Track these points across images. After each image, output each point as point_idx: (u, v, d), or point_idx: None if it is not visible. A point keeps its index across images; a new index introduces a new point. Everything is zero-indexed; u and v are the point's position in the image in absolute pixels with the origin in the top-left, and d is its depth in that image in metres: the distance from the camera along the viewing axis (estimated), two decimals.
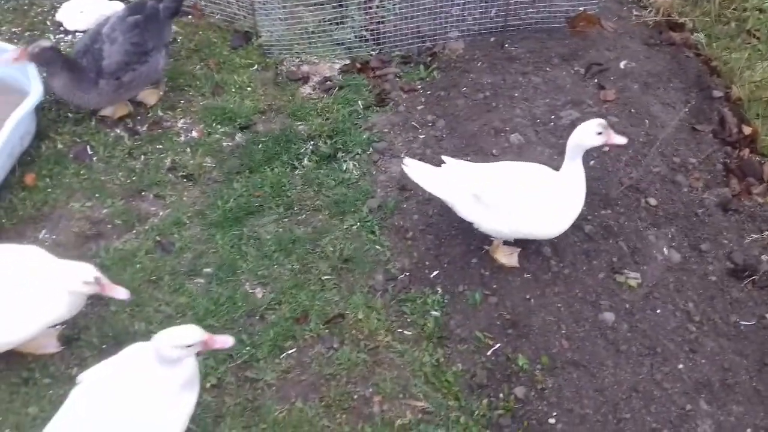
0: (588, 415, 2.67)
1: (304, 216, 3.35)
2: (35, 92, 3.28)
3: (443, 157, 3.04)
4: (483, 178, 2.90)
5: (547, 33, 4.13)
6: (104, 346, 2.79)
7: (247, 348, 2.85)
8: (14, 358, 2.72)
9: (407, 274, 3.13)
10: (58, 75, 3.23)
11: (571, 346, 2.85)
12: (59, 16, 4.01)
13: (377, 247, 3.24)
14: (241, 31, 4.09)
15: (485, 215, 2.90)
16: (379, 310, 3.01)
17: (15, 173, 3.30)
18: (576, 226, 3.14)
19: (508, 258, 3.09)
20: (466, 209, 2.94)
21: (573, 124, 2.89)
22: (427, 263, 3.16)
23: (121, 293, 2.54)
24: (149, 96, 3.68)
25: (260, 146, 3.60)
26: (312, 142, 3.64)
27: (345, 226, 3.32)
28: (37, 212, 3.23)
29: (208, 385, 2.70)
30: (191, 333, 2.24)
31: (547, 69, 3.95)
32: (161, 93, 3.72)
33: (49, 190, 3.31)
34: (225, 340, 2.31)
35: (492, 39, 4.11)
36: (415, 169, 3.01)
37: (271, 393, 2.73)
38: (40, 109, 3.46)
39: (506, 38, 4.11)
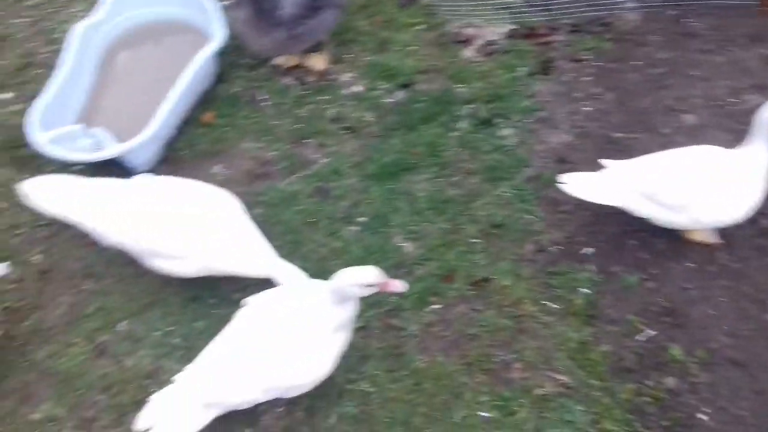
0: (744, 416, 2.52)
1: (457, 178, 3.36)
2: (219, 36, 3.49)
3: (602, 161, 2.91)
4: (654, 176, 2.76)
5: (734, 10, 3.82)
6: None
7: (394, 297, 2.93)
8: (183, 280, 2.97)
9: (558, 247, 3.07)
10: (245, 7, 3.39)
11: (732, 343, 2.68)
12: None
13: (529, 216, 3.20)
14: None
15: (663, 212, 2.78)
16: (526, 280, 2.99)
17: (196, 110, 3.55)
18: (751, 219, 2.93)
19: (706, 235, 2.95)
20: (641, 209, 2.82)
21: (755, 110, 2.67)
22: (580, 239, 3.08)
23: (399, 287, 2.43)
24: (316, 60, 3.78)
25: (419, 105, 3.63)
26: (471, 106, 3.63)
27: (497, 192, 3.30)
28: (213, 148, 3.46)
29: (355, 326, 2.80)
30: (372, 273, 2.34)
31: (732, 49, 3.67)
32: (327, 58, 3.79)
33: (225, 129, 3.53)
34: (400, 285, 2.40)
35: (671, 12, 3.87)
36: (575, 184, 2.86)
37: (414, 343, 2.80)
38: (221, 53, 3.67)
39: (687, 12, 3.85)
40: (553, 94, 3.64)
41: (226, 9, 3.60)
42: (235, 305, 2.59)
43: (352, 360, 2.74)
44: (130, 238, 2.74)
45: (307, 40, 3.61)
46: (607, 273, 2.93)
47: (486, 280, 2.98)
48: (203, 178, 3.30)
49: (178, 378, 2.45)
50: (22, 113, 3.50)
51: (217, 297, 2.94)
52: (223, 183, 3.29)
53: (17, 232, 3.16)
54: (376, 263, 2.99)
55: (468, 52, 3.88)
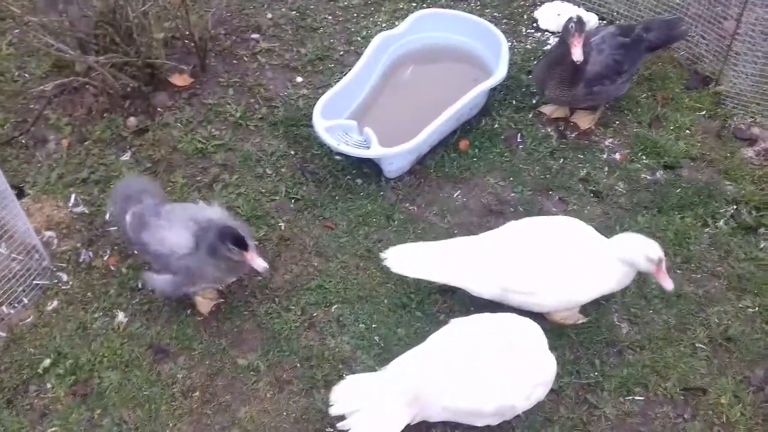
0: None
1: (699, 276, 3.15)
2: (500, 75, 3.62)
3: None
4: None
5: None
6: (472, 309, 3.00)
7: (596, 373, 2.82)
8: (398, 285, 3.12)
9: None
10: (552, 55, 3.48)
11: None
12: (537, 14, 4.33)
13: None
14: (701, 74, 3.94)
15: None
16: (746, 405, 2.71)
17: (455, 135, 3.71)
18: None
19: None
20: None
21: None
22: None
23: (669, 284, 2.64)
24: (583, 119, 3.75)
25: (678, 191, 3.45)
26: (735, 207, 3.38)
27: (740, 305, 3.04)
28: (459, 174, 3.59)
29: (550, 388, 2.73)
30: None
31: None
32: (597, 119, 3.76)
33: (475, 159, 3.64)
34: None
35: None
36: None
37: (605, 427, 2.67)
38: (493, 89, 3.80)
39: None
40: None
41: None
42: (437, 324, 2.66)
43: (536, 419, 2.68)
44: (505, 283, 2.75)
45: (599, 100, 3.61)
46: None
47: (703, 390, 2.74)
48: (442, 198, 3.47)
49: (387, 370, 2.53)
50: (306, 98, 3.93)
51: (423, 312, 3.04)
52: (458, 208, 3.41)
53: (274, 198, 3.53)
54: (585, 333, 2.93)
55: (748, 152, 3.61)
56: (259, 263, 2.69)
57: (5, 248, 3.06)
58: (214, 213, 2.87)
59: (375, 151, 3.40)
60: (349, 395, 2.48)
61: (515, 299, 2.77)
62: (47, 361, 2.89)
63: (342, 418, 2.51)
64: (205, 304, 3.05)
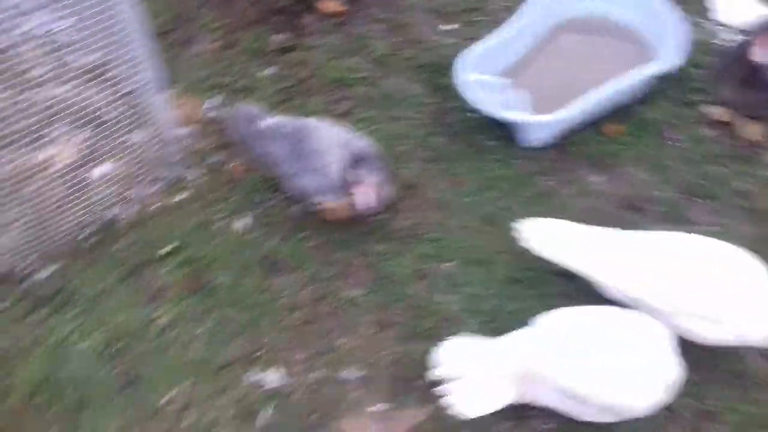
0: None
1: None
2: (672, 62, 3.33)
3: None
4: None
5: None
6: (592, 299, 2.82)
7: (718, 403, 2.60)
8: (518, 257, 2.97)
9: None
10: (733, 56, 3.18)
11: None
12: (711, 3, 3.96)
13: None
14: None
15: None
16: None
17: (606, 117, 3.46)
18: None
19: None
20: None
21: None
22: None
23: None
24: (753, 128, 3.38)
25: None
26: None
27: None
28: (603, 159, 3.34)
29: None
30: None
31: None
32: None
33: (623, 147, 3.38)
34: None
35: None
36: None
37: None
38: (657, 78, 3.50)
39: None
40: None
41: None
42: (550, 307, 2.51)
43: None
44: (654, 295, 2.51)
45: None
46: None
47: None
48: (580, 179, 3.27)
49: (500, 341, 2.42)
50: (455, 46, 3.74)
51: (538, 291, 2.89)
52: (595, 194, 3.21)
53: (404, 143, 3.43)
54: (715, 357, 2.70)
55: None
56: (361, 198, 2.68)
57: (145, 134, 3.12)
58: (366, 146, 2.87)
59: (525, 116, 3.23)
60: (455, 357, 2.37)
61: (681, 322, 2.48)
62: (168, 248, 2.96)
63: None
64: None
